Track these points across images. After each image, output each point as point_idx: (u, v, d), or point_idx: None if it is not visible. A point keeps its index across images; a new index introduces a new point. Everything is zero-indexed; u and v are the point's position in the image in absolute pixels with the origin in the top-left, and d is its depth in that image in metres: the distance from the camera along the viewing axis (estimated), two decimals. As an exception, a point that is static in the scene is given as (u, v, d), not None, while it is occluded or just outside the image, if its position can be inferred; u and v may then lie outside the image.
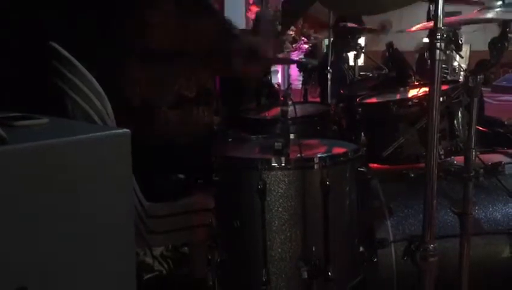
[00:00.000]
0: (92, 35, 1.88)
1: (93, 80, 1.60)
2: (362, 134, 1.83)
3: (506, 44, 1.43)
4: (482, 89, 1.52)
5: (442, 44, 1.12)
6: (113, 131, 1.12)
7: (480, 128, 2.51)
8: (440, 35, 1.13)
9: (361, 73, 3.24)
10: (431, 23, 1.17)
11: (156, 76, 1.92)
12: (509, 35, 1.39)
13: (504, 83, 8.91)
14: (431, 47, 1.14)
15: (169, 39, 1.88)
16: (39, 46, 1.69)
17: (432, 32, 1.14)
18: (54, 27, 1.87)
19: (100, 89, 1.60)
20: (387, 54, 3.29)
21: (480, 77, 1.43)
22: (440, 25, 1.14)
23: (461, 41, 1.14)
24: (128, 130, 1.11)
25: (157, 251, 2.38)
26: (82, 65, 1.58)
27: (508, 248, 1.79)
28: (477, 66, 1.44)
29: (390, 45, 3.47)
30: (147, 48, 1.89)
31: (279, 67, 8.30)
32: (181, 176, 1.94)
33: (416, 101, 1.93)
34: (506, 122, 2.93)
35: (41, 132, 1.10)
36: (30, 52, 1.86)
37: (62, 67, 1.63)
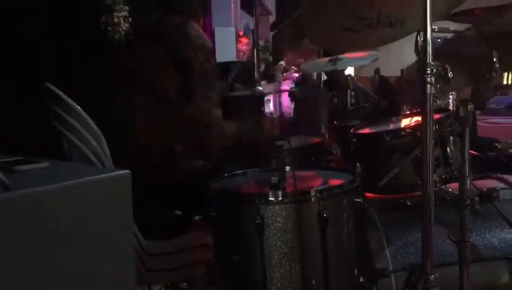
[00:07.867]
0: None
1: (89, 120, 1.62)
2: (357, 164, 1.85)
3: (494, 73, 1.46)
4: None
5: (433, 78, 1.15)
6: (113, 173, 1.13)
7: (473, 152, 2.53)
8: (430, 70, 1.16)
9: (352, 102, 3.27)
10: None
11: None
12: (496, 65, 1.42)
13: (493, 105, 9.00)
14: (421, 82, 1.17)
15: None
16: (35, 87, 1.71)
17: (421, 68, 1.17)
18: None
19: (96, 129, 1.62)
20: (376, 78, 3.33)
21: (470, 107, 1.45)
22: (429, 60, 1.17)
23: (451, 75, 1.16)
24: (128, 171, 1.13)
25: (156, 288, 2.36)
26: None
27: (507, 274, 1.79)
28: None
29: (377, 72, 3.51)
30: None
31: (271, 97, 8.36)
32: (178, 212, 1.94)
33: (409, 131, 1.95)
34: (499, 146, 2.95)
35: (42, 176, 1.10)
36: (26, 93, 1.88)
37: (57, 107, 1.64)
